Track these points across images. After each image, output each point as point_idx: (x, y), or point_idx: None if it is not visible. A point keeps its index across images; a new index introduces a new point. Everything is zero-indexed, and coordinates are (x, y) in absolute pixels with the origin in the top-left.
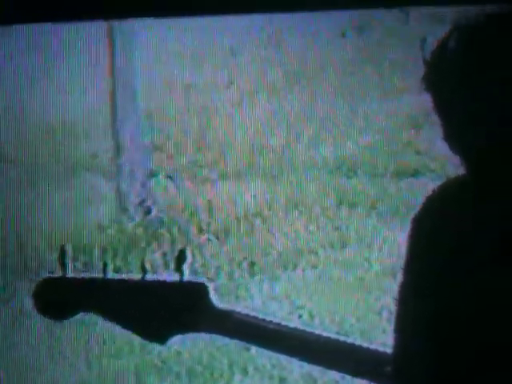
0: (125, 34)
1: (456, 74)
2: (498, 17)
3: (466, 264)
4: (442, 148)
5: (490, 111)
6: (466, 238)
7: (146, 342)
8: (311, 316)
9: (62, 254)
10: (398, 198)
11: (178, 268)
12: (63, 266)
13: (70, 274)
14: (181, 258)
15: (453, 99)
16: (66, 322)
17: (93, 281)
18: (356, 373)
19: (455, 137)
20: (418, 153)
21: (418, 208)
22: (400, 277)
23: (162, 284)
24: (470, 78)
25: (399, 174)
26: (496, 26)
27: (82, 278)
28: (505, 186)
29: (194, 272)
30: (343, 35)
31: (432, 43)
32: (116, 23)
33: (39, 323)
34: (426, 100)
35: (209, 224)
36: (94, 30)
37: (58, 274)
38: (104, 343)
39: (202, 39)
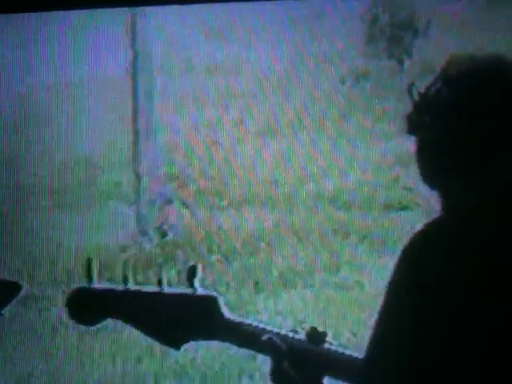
0: (145, 76)
1: (439, 118)
2: (483, 66)
3: (443, 295)
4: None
5: (469, 155)
6: (444, 271)
7: (165, 349)
8: None
9: (89, 266)
10: (387, 229)
11: (190, 282)
12: (90, 278)
13: (96, 285)
14: (192, 273)
15: (435, 141)
16: (95, 329)
17: (116, 291)
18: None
19: (433, 176)
20: (405, 188)
21: (405, 239)
22: (384, 296)
23: (177, 296)
24: (452, 122)
25: (388, 208)
26: (480, 76)
27: (107, 289)
28: (481, 225)
29: (204, 288)
30: (342, 82)
31: (419, 87)
32: (140, 65)
33: (72, 330)
34: (413, 142)
35: (219, 246)
36: (116, 72)
37: (86, 285)
38: (129, 349)
39: (215, 83)
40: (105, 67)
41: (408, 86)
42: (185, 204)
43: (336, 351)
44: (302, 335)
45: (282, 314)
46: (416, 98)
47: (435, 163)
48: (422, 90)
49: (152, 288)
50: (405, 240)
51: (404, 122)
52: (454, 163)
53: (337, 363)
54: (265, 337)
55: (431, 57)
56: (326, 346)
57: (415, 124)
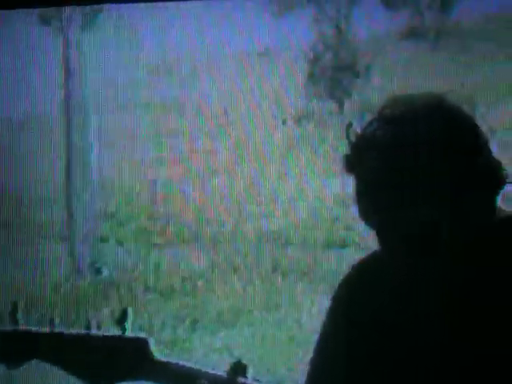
0: (80, 113)
1: (374, 157)
2: (420, 105)
3: (376, 333)
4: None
5: (402, 195)
6: (377, 306)
7: None
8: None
9: (14, 309)
10: (327, 267)
11: (121, 324)
12: (15, 320)
13: (21, 327)
14: (123, 317)
15: (370, 180)
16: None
17: (41, 335)
18: None
19: (369, 214)
20: (345, 227)
21: (343, 276)
22: (321, 330)
23: (106, 338)
24: (386, 161)
25: (328, 246)
26: (412, 120)
27: (31, 331)
28: (413, 263)
29: (139, 327)
30: (283, 122)
31: (356, 128)
32: (74, 102)
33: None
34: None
35: (155, 284)
36: (50, 110)
37: (11, 327)
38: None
39: (153, 120)
40: (39, 105)
41: (346, 126)
42: (120, 241)
43: None
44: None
45: (218, 351)
46: (353, 138)
47: (371, 202)
48: (359, 131)
49: (79, 330)
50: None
51: (342, 162)
52: (389, 201)
53: None
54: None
55: (371, 98)
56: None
57: (352, 164)
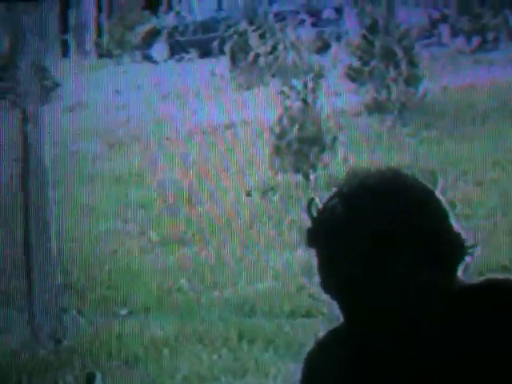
0: (38, 186)
1: (333, 232)
2: (373, 189)
3: None
4: None
5: (363, 268)
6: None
7: None
8: None
9: None
10: (292, 336)
11: None
12: None
13: None
14: (90, 380)
15: (333, 252)
16: None
17: None
18: None
19: (331, 287)
20: (310, 296)
21: (309, 346)
22: None
23: None
24: (348, 234)
25: (293, 315)
26: (370, 196)
27: None
28: (374, 336)
29: None
30: (248, 195)
31: (318, 204)
32: (32, 175)
33: None
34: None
35: (118, 353)
36: (7, 182)
37: None
38: None
39: (116, 193)
40: None
41: (307, 202)
42: (80, 312)
43: None
44: None
45: None
46: (314, 213)
47: (331, 275)
48: (321, 206)
49: None
50: (308, 347)
51: (305, 235)
52: (347, 276)
53: None
54: None
55: (336, 172)
56: None
57: (314, 238)
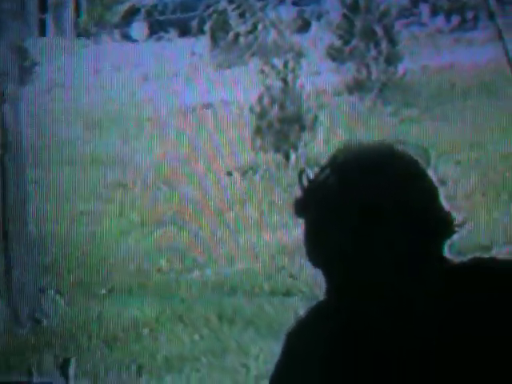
0: (18, 168)
1: (324, 202)
2: (364, 161)
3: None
4: (310, 273)
5: (352, 240)
6: (324, 358)
7: None
8: None
9: None
10: (272, 314)
11: (64, 374)
12: None
13: None
14: (66, 365)
15: (323, 221)
16: None
17: None
18: None
19: (318, 256)
20: (290, 276)
21: (290, 325)
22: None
23: None
24: (340, 204)
25: (273, 294)
26: (360, 169)
27: None
28: (363, 311)
29: (85, 373)
30: (229, 174)
31: (308, 175)
32: (9, 163)
33: None
34: (299, 233)
35: (98, 333)
36: None
37: None
38: None
39: (96, 174)
40: None
41: (299, 172)
42: (59, 292)
43: None
44: None
45: None
46: (305, 183)
47: (318, 246)
48: (312, 177)
49: (20, 379)
50: (288, 325)
51: (293, 205)
52: (335, 247)
53: None
54: None
55: (317, 152)
56: None
57: (303, 207)
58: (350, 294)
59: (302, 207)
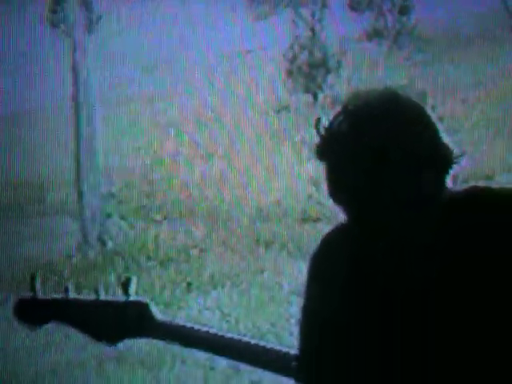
0: (87, 105)
1: (339, 146)
2: (373, 107)
3: (346, 292)
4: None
5: (367, 175)
6: (346, 274)
7: None
8: (237, 322)
9: (32, 280)
10: (303, 238)
11: (125, 289)
12: (33, 290)
13: (40, 294)
14: (127, 282)
15: (338, 165)
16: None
17: (56, 301)
18: (268, 368)
19: (337, 194)
20: (318, 203)
21: (315, 247)
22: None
23: (112, 302)
24: (351, 149)
25: (304, 220)
26: (370, 114)
27: (48, 299)
28: (379, 233)
29: (141, 290)
30: (266, 113)
31: (325, 121)
32: (81, 95)
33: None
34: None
35: (155, 254)
36: (60, 102)
37: (30, 294)
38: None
39: (151, 112)
40: (50, 100)
41: (315, 120)
42: (123, 217)
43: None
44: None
45: (209, 309)
46: (322, 130)
47: (337, 185)
48: (328, 124)
49: (89, 296)
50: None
51: (314, 150)
52: (349, 186)
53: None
54: None
55: (341, 92)
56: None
57: (321, 152)
58: (365, 230)
59: (320, 151)
